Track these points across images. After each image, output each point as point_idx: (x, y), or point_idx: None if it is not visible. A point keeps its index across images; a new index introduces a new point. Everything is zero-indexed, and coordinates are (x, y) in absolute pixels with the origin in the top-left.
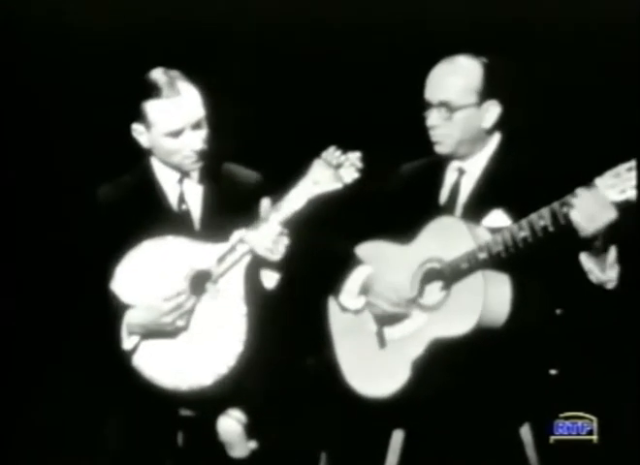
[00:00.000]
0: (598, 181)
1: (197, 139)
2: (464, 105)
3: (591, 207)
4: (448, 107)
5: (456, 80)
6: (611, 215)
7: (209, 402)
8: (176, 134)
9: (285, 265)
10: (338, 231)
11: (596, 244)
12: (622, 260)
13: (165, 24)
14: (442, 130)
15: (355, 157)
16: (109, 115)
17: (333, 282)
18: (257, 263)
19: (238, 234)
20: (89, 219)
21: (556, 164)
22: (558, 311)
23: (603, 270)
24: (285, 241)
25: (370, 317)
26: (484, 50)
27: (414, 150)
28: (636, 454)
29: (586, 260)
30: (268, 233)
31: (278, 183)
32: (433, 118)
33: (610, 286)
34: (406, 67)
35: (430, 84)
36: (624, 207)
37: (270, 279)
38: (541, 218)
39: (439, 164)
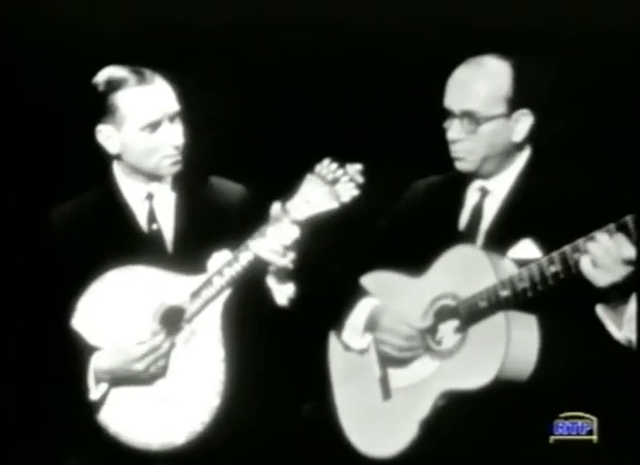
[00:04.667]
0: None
1: (177, 133)
2: (492, 115)
3: (607, 256)
4: (473, 118)
5: (482, 87)
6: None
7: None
8: (154, 126)
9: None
10: (338, 259)
11: (614, 294)
12: None
13: (137, 22)
14: (465, 144)
15: (354, 170)
16: (64, 122)
17: (334, 317)
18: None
19: (215, 261)
20: (43, 245)
21: (595, 184)
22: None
23: (619, 326)
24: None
25: (375, 359)
26: (510, 51)
27: (427, 164)
28: (636, 454)
29: (602, 313)
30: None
31: (264, 200)
32: (455, 131)
33: (630, 346)
34: (421, 67)
35: (450, 90)
36: None
37: (282, 295)
38: (576, 251)
39: (459, 182)
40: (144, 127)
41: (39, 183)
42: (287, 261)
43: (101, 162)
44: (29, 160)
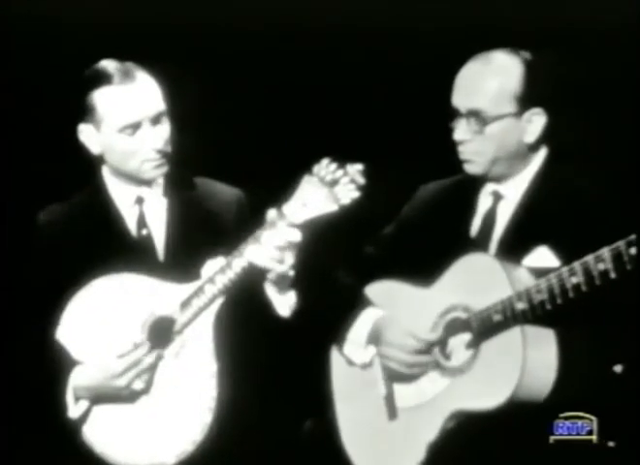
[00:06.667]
0: None
1: (158, 137)
2: (500, 114)
3: None
4: (479, 117)
5: (489, 84)
6: None
7: None
8: (133, 128)
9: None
10: (339, 267)
11: None
12: None
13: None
14: (472, 145)
15: (355, 171)
16: (50, 117)
17: (336, 329)
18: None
19: (210, 269)
20: (28, 251)
21: (616, 188)
22: (618, 368)
23: None
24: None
25: (380, 376)
26: (521, 47)
27: (433, 164)
28: (636, 454)
29: None
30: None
31: (259, 203)
32: (462, 131)
33: None
34: (430, 62)
35: (457, 88)
36: None
37: (283, 305)
38: (600, 261)
39: (470, 185)
40: (121, 129)
41: (24, 184)
42: (285, 267)
43: (89, 162)
44: (14, 159)
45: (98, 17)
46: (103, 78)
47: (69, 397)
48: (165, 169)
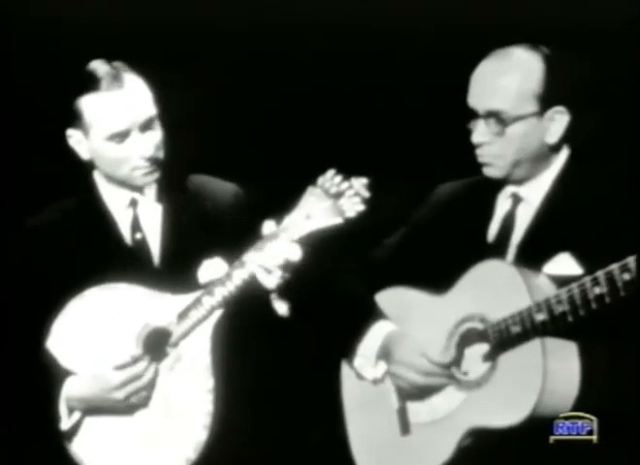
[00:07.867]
0: None
1: (148, 144)
2: (522, 115)
3: None
4: (499, 118)
5: (509, 82)
6: None
7: None
8: (121, 137)
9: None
10: (350, 273)
11: None
12: None
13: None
14: (492, 148)
15: (360, 184)
16: (40, 119)
17: (344, 340)
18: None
19: (207, 271)
20: (17, 258)
21: None
22: None
23: None
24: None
25: (393, 388)
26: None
27: (445, 176)
28: (636, 454)
29: None
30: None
31: (261, 216)
32: (480, 133)
33: None
34: (438, 60)
35: (474, 87)
36: None
37: (281, 305)
38: (626, 270)
39: (488, 187)
40: (109, 137)
41: (14, 189)
42: (278, 281)
43: (81, 165)
44: (13, 161)
45: (97, 18)
46: (90, 84)
47: (62, 408)
48: (156, 175)
